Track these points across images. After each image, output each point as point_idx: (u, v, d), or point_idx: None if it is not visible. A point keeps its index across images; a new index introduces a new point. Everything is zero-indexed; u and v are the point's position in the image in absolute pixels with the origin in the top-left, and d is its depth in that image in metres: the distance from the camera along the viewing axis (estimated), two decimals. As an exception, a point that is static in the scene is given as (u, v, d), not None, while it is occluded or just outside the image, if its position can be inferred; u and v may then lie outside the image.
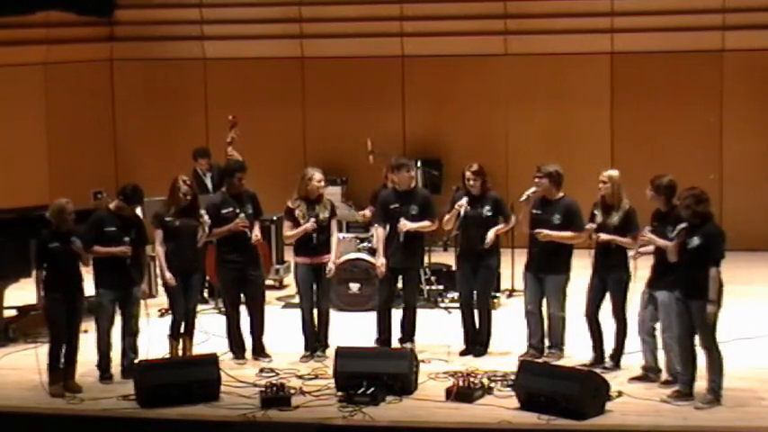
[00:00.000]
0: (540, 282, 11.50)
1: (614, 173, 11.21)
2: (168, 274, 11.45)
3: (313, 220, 11.70)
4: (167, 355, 11.54)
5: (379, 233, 11.98)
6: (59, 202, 10.98)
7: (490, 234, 11.59)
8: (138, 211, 14.20)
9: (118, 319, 11.34)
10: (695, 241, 10.05)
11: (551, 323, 11.55)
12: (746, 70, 16.59)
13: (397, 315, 12.02)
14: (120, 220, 11.18)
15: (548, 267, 11.43)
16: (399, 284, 12.09)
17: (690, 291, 10.08)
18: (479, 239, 11.63)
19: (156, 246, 11.58)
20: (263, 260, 12.62)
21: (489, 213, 11.69)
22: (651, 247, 10.68)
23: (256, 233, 11.86)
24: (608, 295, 11.18)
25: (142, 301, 11.41)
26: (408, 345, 11.82)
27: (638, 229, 10.84)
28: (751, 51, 16.53)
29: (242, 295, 11.96)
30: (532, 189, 11.44)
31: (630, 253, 10.95)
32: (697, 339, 10.23)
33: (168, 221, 11.49)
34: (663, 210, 10.68)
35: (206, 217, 11.58)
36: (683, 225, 10.11)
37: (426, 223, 11.84)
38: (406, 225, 11.72)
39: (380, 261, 11.87)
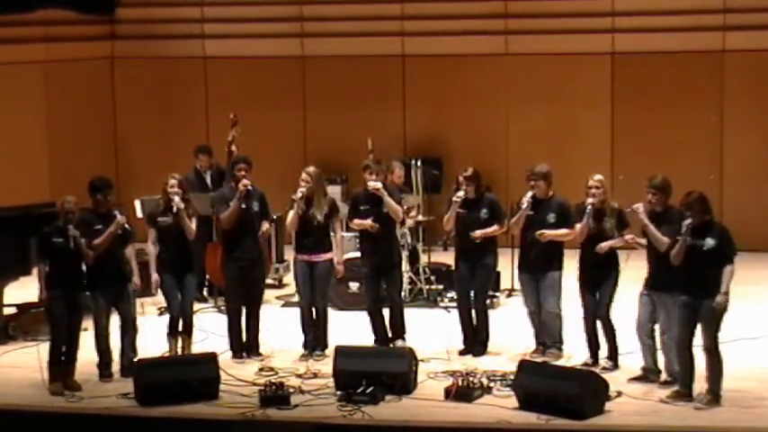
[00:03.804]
0: (537, 281, 11.53)
1: (602, 176, 11.26)
2: (155, 275, 11.55)
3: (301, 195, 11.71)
4: (166, 354, 11.56)
5: (356, 221, 12.05)
6: (62, 198, 11.01)
7: (478, 232, 11.64)
8: (138, 208, 14.27)
9: (117, 318, 11.35)
10: (710, 242, 10.06)
11: (548, 321, 11.57)
12: (747, 70, 16.59)
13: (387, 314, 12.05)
14: (101, 219, 11.15)
15: (543, 266, 11.49)
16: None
17: (704, 291, 10.05)
18: (476, 241, 11.67)
19: (149, 245, 11.61)
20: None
21: (486, 216, 11.73)
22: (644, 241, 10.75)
23: (266, 229, 11.96)
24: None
25: (138, 300, 11.41)
26: (399, 342, 11.84)
27: (630, 225, 10.99)
28: (752, 52, 16.52)
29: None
30: (530, 194, 11.49)
31: (619, 244, 11.08)
32: (697, 341, 10.24)
33: (161, 220, 11.51)
34: (658, 210, 10.67)
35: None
36: (688, 221, 10.09)
37: (397, 208, 11.88)
38: (376, 185, 11.78)
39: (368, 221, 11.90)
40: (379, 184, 11.85)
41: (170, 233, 11.51)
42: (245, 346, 11.87)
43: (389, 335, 12.00)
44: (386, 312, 12.07)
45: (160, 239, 11.55)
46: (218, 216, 11.99)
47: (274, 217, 14.29)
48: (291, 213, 11.76)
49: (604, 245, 11.04)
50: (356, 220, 12.04)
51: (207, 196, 13.06)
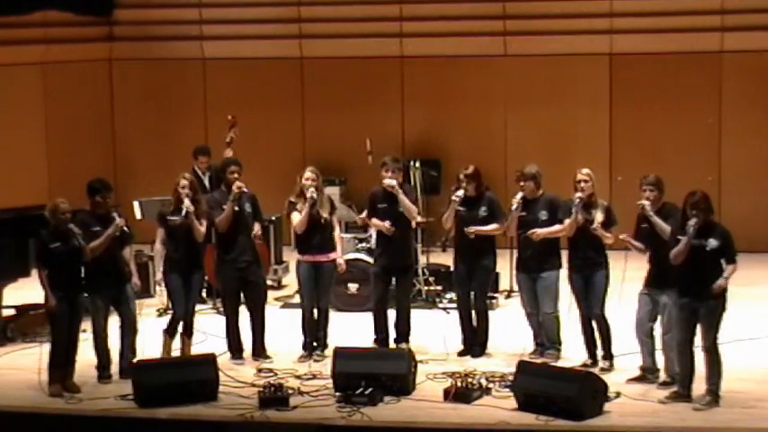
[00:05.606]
0: (534, 281, 11.55)
1: (589, 170, 11.29)
2: (160, 275, 11.59)
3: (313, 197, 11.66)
4: (161, 351, 11.57)
5: (374, 221, 11.98)
6: (53, 202, 11.00)
7: (472, 227, 11.61)
8: (137, 210, 14.25)
9: (116, 320, 11.34)
10: (713, 243, 10.08)
11: (546, 323, 11.57)
12: (745, 71, 16.60)
13: (392, 315, 12.02)
14: (100, 221, 11.14)
15: (540, 266, 11.51)
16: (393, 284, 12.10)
17: (705, 292, 10.05)
18: (475, 240, 11.65)
19: (157, 244, 11.62)
20: (262, 260, 12.62)
21: (485, 214, 11.72)
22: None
23: (256, 231, 11.89)
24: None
25: (137, 301, 11.41)
26: (403, 345, 11.83)
27: (617, 224, 11.07)
28: (750, 53, 16.54)
29: (242, 296, 11.96)
30: (520, 195, 11.52)
31: (608, 242, 11.10)
32: (697, 341, 10.24)
33: (171, 219, 11.52)
34: (654, 209, 10.69)
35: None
36: (693, 222, 10.08)
37: (411, 207, 11.82)
38: (391, 183, 11.72)
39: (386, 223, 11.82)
40: (394, 182, 11.78)
41: (179, 232, 11.52)
42: (254, 347, 11.85)
43: (394, 337, 11.99)
44: (389, 314, 12.04)
45: (169, 238, 11.55)
46: (214, 221, 11.92)
47: (273, 218, 14.33)
48: (300, 215, 11.69)
49: (598, 232, 11.03)
50: (374, 220, 11.98)
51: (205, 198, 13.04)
